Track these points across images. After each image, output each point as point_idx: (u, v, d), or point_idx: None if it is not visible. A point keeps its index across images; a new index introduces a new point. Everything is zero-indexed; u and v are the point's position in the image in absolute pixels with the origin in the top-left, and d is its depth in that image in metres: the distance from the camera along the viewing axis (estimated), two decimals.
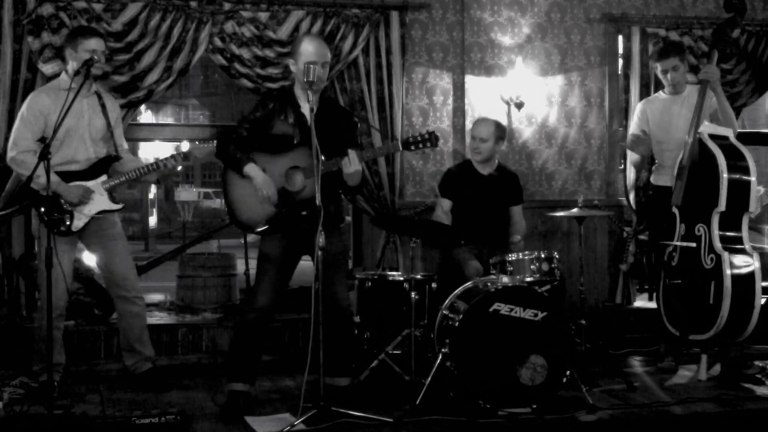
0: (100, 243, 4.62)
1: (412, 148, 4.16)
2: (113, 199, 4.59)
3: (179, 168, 4.72)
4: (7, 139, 5.11)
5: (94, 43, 4.48)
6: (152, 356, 4.74)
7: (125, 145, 4.82)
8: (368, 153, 4.29)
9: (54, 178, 4.35)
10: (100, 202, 4.54)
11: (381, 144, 5.63)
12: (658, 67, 5.12)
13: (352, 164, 4.04)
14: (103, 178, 4.57)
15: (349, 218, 5.95)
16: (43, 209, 4.40)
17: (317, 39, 4.25)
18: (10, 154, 4.48)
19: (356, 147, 4.21)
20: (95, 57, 4.39)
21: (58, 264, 4.15)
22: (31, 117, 4.44)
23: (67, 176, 4.48)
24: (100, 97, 4.63)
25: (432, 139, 4.14)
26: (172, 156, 4.63)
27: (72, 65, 4.50)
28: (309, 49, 4.12)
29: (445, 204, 5.21)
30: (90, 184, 4.52)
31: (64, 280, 4.32)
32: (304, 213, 4.07)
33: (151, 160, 4.66)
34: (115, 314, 5.45)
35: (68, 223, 4.46)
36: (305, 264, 4.28)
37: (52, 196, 4.37)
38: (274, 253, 4.17)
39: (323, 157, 3.92)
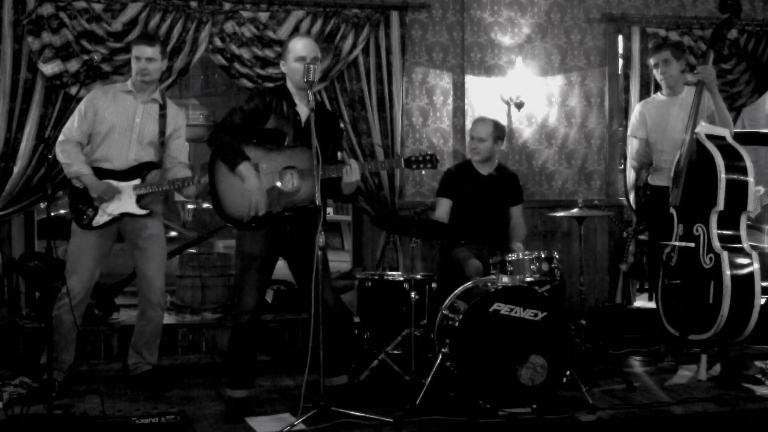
0: (135, 244, 4.67)
1: (413, 167, 4.23)
2: (141, 204, 4.59)
3: None
4: (7, 140, 5.16)
5: (136, 50, 4.55)
6: (155, 363, 4.75)
7: (182, 158, 4.76)
8: (370, 165, 4.40)
9: (87, 170, 4.49)
10: (126, 204, 4.56)
11: (381, 145, 5.64)
12: (651, 63, 5.15)
13: (354, 174, 4.05)
14: (137, 182, 4.58)
15: (348, 218, 5.96)
16: (72, 200, 4.53)
17: (305, 36, 4.31)
18: (58, 140, 4.58)
19: (341, 151, 4.27)
20: (95, 57, 4.42)
21: (82, 256, 4.47)
22: (82, 112, 4.54)
23: (103, 173, 4.54)
24: (162, 107, 4.66)
25: (433, 161, 4.22)
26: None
27: (133, 70, 4.59)
28: (297, 45, 4.11)
29: (445, 203, 5.22)
30: (121, 185, 4.55)
31: (90, 271, 4.52)
32: (287, 213, 4.06)
33: (191, 175, 4.65)
34: (116, 315, 5.51)
35: (90, 217, 4.52)
36: None
37: (83, 189, 4.50)
38: (256, 252, 4.10)
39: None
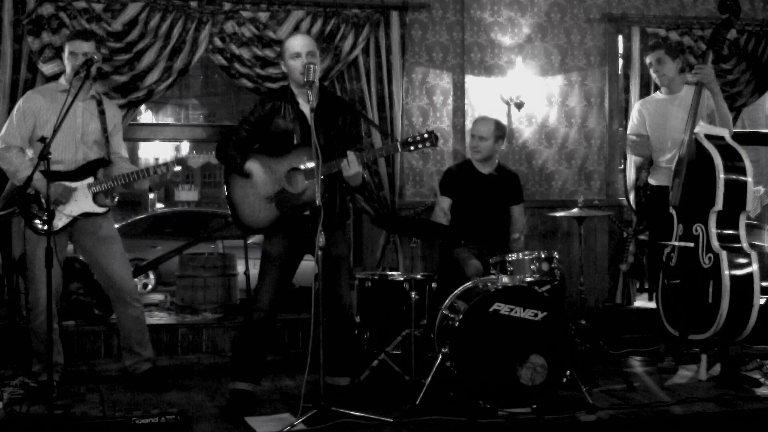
0: (92, 246, 4.62)
1: (411, 148, 4.12)
2: (98, 202, 4.56)
3: (169, 177, 4.66)
4: None
5: (69, 46, 4.49)
6: (152, 357, 4.74)
7: (123, 153, 4.77)
8: (368, 154, 4.24)
9: (37, 175, 4.30)
10: (83, 203, 4.53)
11: (381, 143, 5.64)
12: (647, 62, 5.16)
13: (352, 167, 4.04)
14: (90, 180, 4.55)
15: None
16: (24, 206, 4.45)
17: (299, 33, 4.36)
18: None
19: (360, 141, 4.27)
20: (95, 58, 4.40)
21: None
22: (21, 115, 4.49)
23: (53, 176, 4.43)
24: (100, 103, 4.63)
25: (432, 138, 4.09)
26: (165, 164, 4.59)
27: (67, 67, 4.54)
28: (292, 43, 4.13)
29: (445, 202, 5.21)
30: (74, 185, 4.52)
31: (53, 276, 4.32)
32: (306, 213, 4.07)
33: (147, 166, 4.65)
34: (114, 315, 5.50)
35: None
36: (307, 264, 4.27)
37: (35, 194, 4.42)
38: (276, 253, 4.17)
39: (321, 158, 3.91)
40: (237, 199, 4.17)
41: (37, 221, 4.46)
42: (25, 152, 4.51)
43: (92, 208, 4.56)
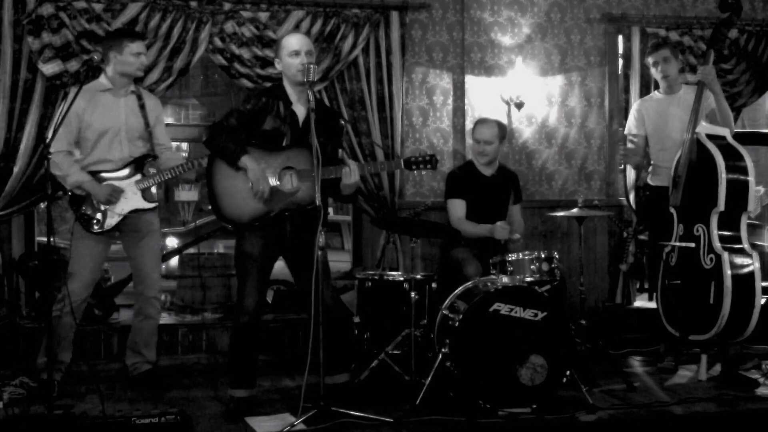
0: (134, 240, 4.66)
1: (413, 168, 4.23)
2: (147, 198, 4.61)
3: None
4: (7, 140, 5.17)
5: (137, 47, 4.56)
6: (154, 360, 4.74)
7: (168, 144, 4.81)
8: (370, 167, 4.39)
9: (86, 177, 4.48)
10: (133, 200, 4.57)
11: (381, 145, 5.64)
12: (650, 62, 5.15)
13: (353, 176, 4.05)
14: (137, 177, 4.59)
15: (348, 218, 5.96)
16: (76, 208, 4.51)
17: (296, 32, 4.36)
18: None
19: (341, 149, 4.29)
20: (95, 57, 4.40)
21: (86, 258, 4.49)
22: (67, 119, 4.47)
23: (101, 176, 4.53)
24: (140, 98, 4.66)
25: (432, 162, 4.22)
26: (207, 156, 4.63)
27: (113, 68, 4.56)
28: (291, 41, 4.11)
29: (461, 204, 5.18)
30: (122, 183, 4.55)
31: (93, 273, 4.54)
32: (287, 213, 4.06)
33: (191, 159, 4.67)
34: (116, 315, 5.51)
35: (101, 221, 4.51)
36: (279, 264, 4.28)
37: (86, 195, 4.49)
38: (255, 252, 4.10)
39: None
40: (221, 189, 4.09)
41: (95, 222, 4.51)
42: (72, 154, 4.56)
43: (142, 204, 4.60)
